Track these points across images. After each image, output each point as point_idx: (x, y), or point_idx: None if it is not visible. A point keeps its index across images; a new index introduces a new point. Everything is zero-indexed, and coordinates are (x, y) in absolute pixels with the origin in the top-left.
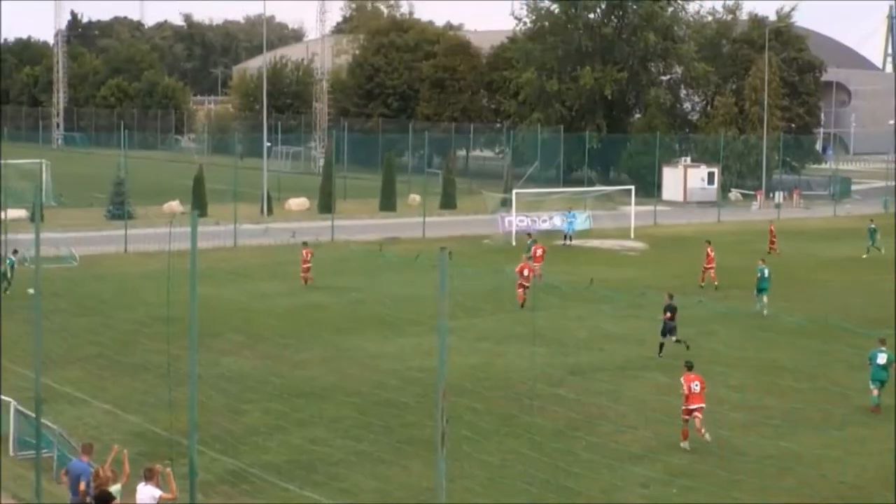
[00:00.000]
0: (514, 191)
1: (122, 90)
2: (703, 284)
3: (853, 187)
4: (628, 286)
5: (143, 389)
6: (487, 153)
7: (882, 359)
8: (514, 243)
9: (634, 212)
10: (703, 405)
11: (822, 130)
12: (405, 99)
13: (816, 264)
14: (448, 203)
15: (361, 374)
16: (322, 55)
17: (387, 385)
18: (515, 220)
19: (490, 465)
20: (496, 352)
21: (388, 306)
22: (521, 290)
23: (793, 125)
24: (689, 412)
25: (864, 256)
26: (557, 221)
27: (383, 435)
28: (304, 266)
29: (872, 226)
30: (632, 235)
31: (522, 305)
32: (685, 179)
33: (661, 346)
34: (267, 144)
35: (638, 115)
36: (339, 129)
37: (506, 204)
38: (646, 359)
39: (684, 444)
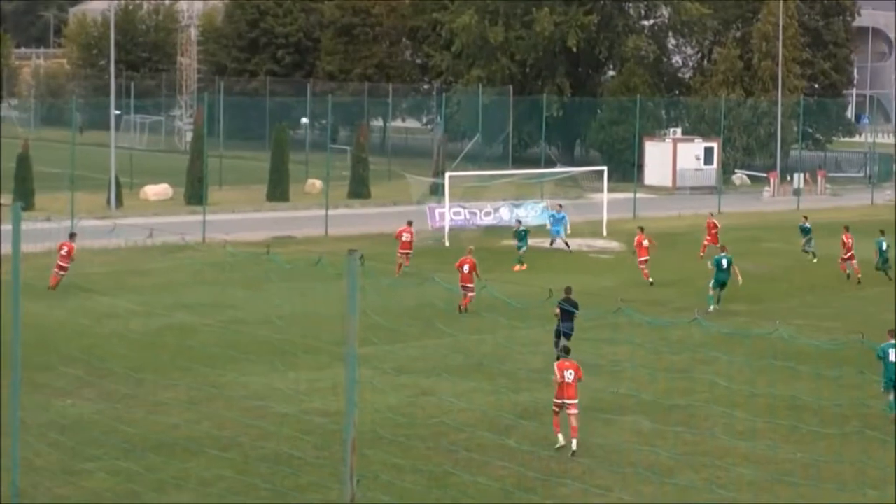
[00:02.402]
0: (448, 173)
1: None
2: (848, 274)
3: None
4: (600, 299)
5: None
6: (412, 123)
7: (894, 355)
8: (447, 243)
9: (608, 201)
10: (576, 401)
11: (854, 92)
12: (301, 52)
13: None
14: (359, 190)
15: (242, 419)
16: None
17: (276, 435)
18: (449, 213)
19: None
20: (424, 388)
21: (279, 328)
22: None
23: (816, 85)
24: (560, 406)
25: (813, 258)
26: (505, 214)
27: (271, 502)
28: (60, 266)
29: (806, 224)
30: (604, 232)
31: (461, 310)
32: (674, 158)
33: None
34: (116, 113)
35: (612, 73)
36: (213, 93)
37: (436, 191)
38: (624, 396)
39: (559, 439)
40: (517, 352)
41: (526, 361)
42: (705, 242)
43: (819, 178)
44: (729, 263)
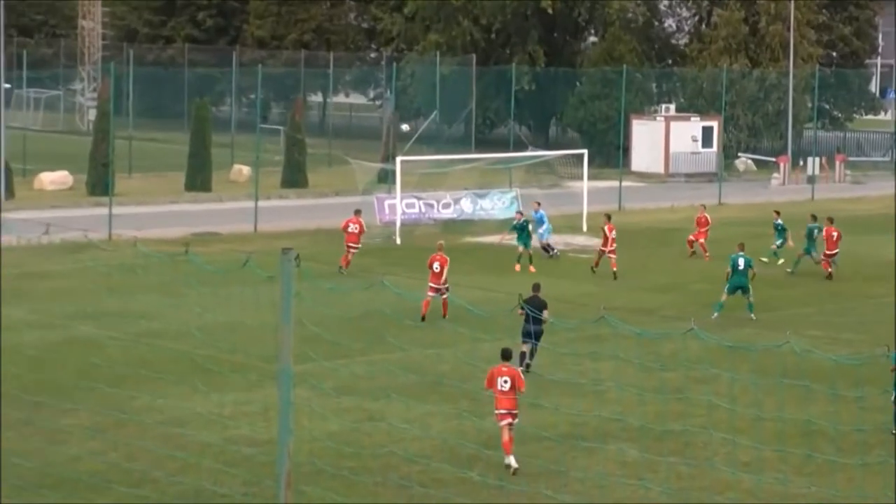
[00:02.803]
0: (400, 158)
1: None
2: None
3: None
4: (579, 307)
5: None
6: (357, 99)
7: None
8: (399, 240)
9: (588, 190)
10: (515, 412)
11: (879, 62)
12: (225, 14)
13: (871, 271)
14: (295, 178)
15: (156, 450)
16: None
17: (197, 467)
18: (401, 205)
19: None
20: (371, 412)
21: (200, 342)
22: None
23: (835, 53)
24: (504, 416)
25: (765, 259)
26: (466, 206)
27: None
28: None
29: (779, 221)
30: (584, 227)
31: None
32: (667, 139)
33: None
34: (6, 87)
35: (593, 39)
36: (120, 62)
37: (386, 179)
38: (608, 421)
39: (509, 461)
40: (481, 369)
41: None
42: (691, 238)
43: (837, 164)
44: (747, 265)
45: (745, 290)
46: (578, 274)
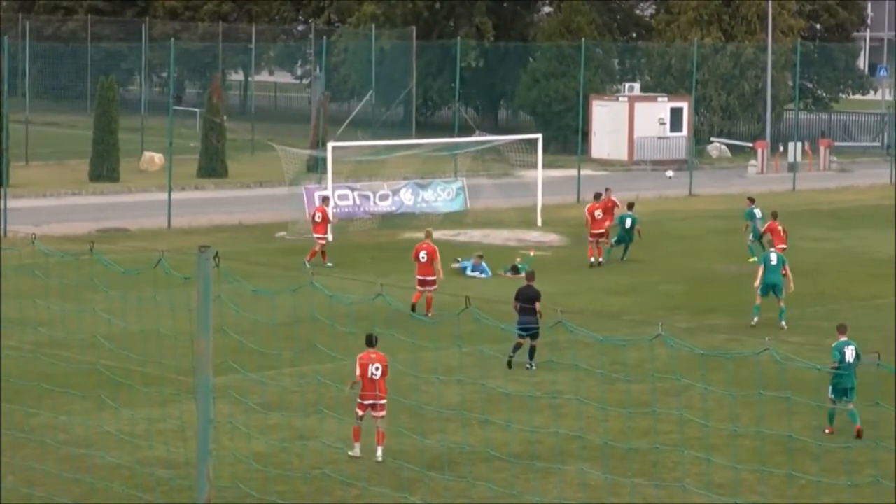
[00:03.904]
0: (331, 144)
1: None
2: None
3: None
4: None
5: None
6: (283, 77)
7: (850, 354)
8: (331, 236)
9: (543, 179)
10: (384, 401)
11: (868, 35)
12: None
13: (859, 269)
14: (213, 167)
15: (59, 473)
16: None
17: (105, 493)
18: (334, 197)
19: None
20: (301, 430)
21: (108, 352)
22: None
23: (818, 26)
24: (365, 408)
25: (752, 261)
26: (406, 198)
27: None
28: None
29: (753, 208)
30: (539, 221)
31: (424, 311)
32: (631, 123)
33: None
34: None
35: (547, 10)
36: (14, 36)
37: (316, 168)
38: (566, 439)
39: (354, 452)
40: (424, 381)
41: (436, 394)
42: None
43: (822, 149)
44: (780, 262)
45: (777, 290)
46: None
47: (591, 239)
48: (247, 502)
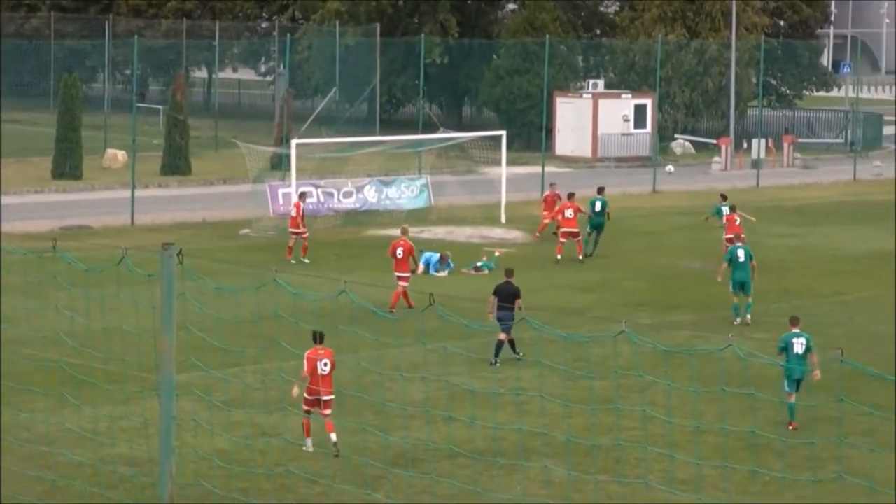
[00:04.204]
0: (295, 141)
1: None
2: None
3: (887, 130)
4: None
5: None
6: (247, 74)
7: (800, 346)
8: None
9: (508, 177)
10: (330, 397)
11: (832, 32)
12: None
13: (823, 266)
14: (176, 164)
15: (22, 471)
16: None
17: (68, 490)
18: (297, 194)
19: None
20: (264, 427)
21: (70, 350)
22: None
23: (782, 23)
24: (313, 404)
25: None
26: (370, 195)
27: None
28: None
29: (724, 206)
30: (502, 218)
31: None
32: (595, 120)
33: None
34: None
35: (512, 7)
36: None
37: (279, 165)
38: (530, 436)
39: (307, 444)
40: (388, 378)
41: (399, 391)
42: (546, 221)
43: (786, 146)
44: (748, 257)
45: (746, 286)
46: (495, 269)
47: (561, 239)
48: (210, 500)
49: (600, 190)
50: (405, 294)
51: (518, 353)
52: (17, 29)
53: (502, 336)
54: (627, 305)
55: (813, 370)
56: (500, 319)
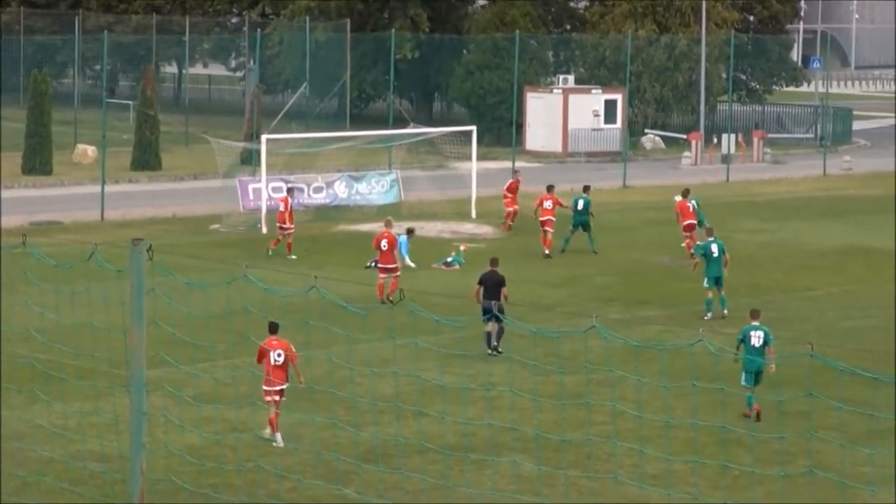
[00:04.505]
0: (265, 136)
1: None
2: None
3: (857, 125)
4: (467, 303)
5: None
6: (217, 70)
7: (757, 339)
8: (265, 229)
9: (478, 172)
10: (283, 386)
11: (801, 27)
12: None
13: (793, 261)
14: (147, 160)
15: None
16: None
17: (38, 486)
18: (267, 189)
19: None
20: (234, 423)
21: (40, 345)
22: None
23: (752, 18)
24: (271, 393)
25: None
26: (341, 190)
27: None
28: None
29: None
30: (473, 213)
31: (383, 301)
32: (565, 115)
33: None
34: None
35: (482, 2)
36: None
37: (250, 160)
38: (500, 430)
39: (268, 434)
40: (358, 374)
41: (370, 387)
42: (509, 210)
43: (755, 141)
44: (721, 251)
45: (720, 283)
46: (466, 265)
47: (545, 228)
48: (180, 496)
49: (585, 188)
50: (381, 287)
51: (498, 347)
52: None
53: (488, 327)
54: (598, 300)
55: (769, 364)
56: (485, 310)
